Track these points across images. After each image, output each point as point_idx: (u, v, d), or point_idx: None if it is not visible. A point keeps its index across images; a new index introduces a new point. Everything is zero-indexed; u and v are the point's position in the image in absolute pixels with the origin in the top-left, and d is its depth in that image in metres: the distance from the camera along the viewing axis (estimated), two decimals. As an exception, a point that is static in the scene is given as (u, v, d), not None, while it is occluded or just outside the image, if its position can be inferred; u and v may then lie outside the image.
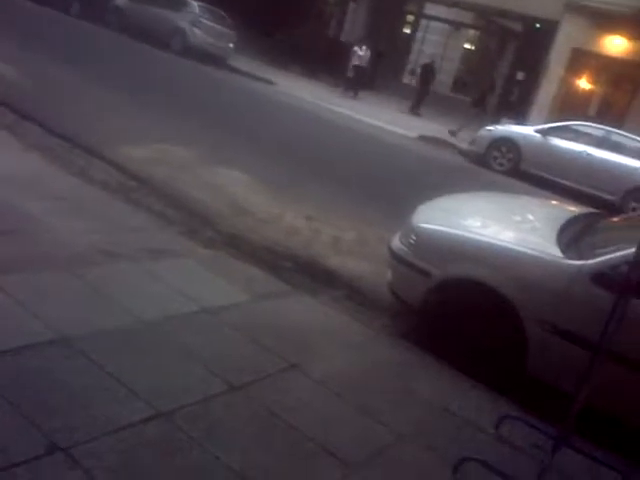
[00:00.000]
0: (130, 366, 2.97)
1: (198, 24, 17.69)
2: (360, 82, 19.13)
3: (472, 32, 23.65)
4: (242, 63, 18.47)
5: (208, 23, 17.93)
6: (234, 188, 6.49)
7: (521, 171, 12.65)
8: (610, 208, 10.60)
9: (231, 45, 18.76)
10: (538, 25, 18.76)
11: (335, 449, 2.81)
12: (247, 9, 19.38)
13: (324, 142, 10.66)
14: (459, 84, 22.92)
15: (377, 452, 2.89)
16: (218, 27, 18.18)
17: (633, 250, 3.32)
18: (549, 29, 17.89)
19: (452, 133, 15.67)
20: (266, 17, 20.12)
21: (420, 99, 18.77)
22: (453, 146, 14.58)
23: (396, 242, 4.51)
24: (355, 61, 19.09)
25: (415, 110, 18.61)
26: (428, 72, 18.98)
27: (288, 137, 10.17)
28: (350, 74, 19.14)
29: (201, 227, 5.16)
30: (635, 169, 11.67)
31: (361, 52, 19.18)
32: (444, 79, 22.68)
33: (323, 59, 20.51)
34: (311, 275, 4.88)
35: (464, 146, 14.11)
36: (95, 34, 17.09)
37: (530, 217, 4.96)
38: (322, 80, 20.03)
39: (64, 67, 10.50)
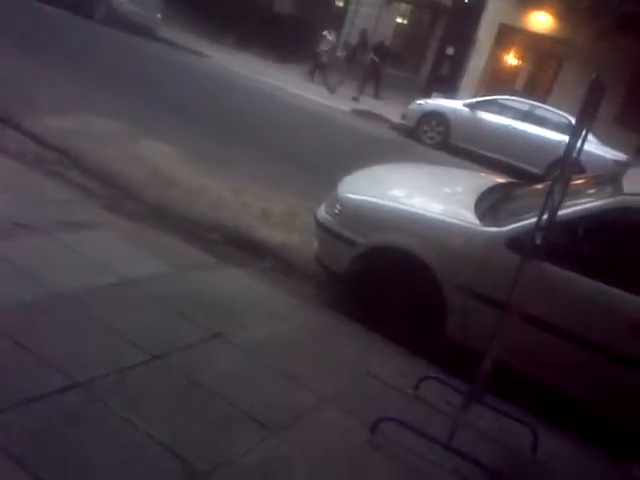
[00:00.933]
0: (46, 338, 2.90)
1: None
2: (328, 70, 18.14)
3: (404, 6, 23.78)
4: (173, 34, 17.95)
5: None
6: (160, 160, 6.35)
7: (450, 144, 12.92)
8: (535, 179, 10.99)
9: (159, 15, 18.16)
10: (467, 0, 19.04)
11: (257, 414, 2.84)
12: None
13: (256, 115, 10.54)
14: (392, 57, 23.03)
15: (298, 415, 2.95)
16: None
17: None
18: (478, 4, 18.20)
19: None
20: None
21: (379, 80, 17.97)
22: (386, 120, 14.72)
23: (322, 212, 4.55)
24: (324, 46, 18.16)
25: (377, 94, 17.90)
26: (384, 52, 18.18)
27: (219, 110, 10.01)
28: (323, 59, 18.07)
29: (125, 200, 5.05)
30: (558, 142, 12.04)
31: (330, 37, 18.34)
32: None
33: (256, 30, 20.18)
34: (239, 247, 4.88)
35: (396, 120, 14.26)
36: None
37: (452, 187, 5.09)
38: (256, 52, 19.72)
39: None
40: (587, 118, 2.63)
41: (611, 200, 3.62)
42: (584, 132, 2.74)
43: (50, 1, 16.03)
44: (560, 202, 2.97)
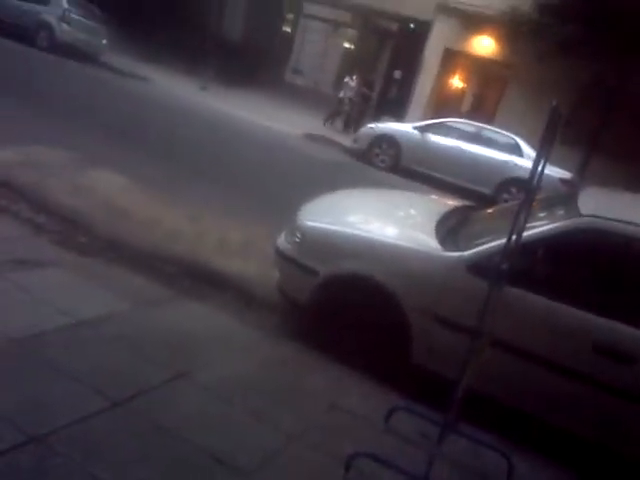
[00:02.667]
0: (-2, 389, 2.73)
1: (67, 19, 16.68)
2: (351, 115, 17.92)
3: (351, 31, 24.19)
4: (117, 60, 17.70)
5: (78, 18, 16.96)
6: (110, 191, 6.15)
7: (402, 167, 13.07)
8: (485, 200, 11.21)
9: (104, 41, 17.92)
10: (412, 25, 19.49)
11: (226, 457, 2.73)
12: (121, 3, 18.61)
13: (204, 141, 10.43)
14: (340, 82, 23.34)
15: (269, 456, 2.85)
16: (89, 22, 17.27)
17: (504, 241, 3.52)
18: (423, 29, 18.62)
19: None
20: (142, 13, 19.42)
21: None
22: (338, 144, 14.81)
23: (282, 241, 4.48)
24: (347, 93, 17.68)
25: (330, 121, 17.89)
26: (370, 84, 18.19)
27: (166, 137, 9.86)
28: (344, 107, 17.81)
29: (75, 234, 4.87)
30: (505, 162, 12.41)
31: (352, 83, 17.91)
32: (326, 77, 23.05)
33: (203, 56, 20.10)
34: (197, 279, 4.74)
35: (348, 144, 14.37)
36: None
37: (411, 212, 5.10)
38: (203, 77, 19.59)
39: None
40: (548, 144, 2.66)
41: (569, 222, 3.67)
42: (544, 157, 2.77)
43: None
44: (523, 226, 2.99)
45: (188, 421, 2.92)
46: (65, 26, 16.62)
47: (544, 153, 2.65)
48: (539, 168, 2.75)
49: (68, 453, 2.48)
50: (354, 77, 18.15)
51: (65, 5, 16.81)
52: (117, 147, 8.08)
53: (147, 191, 6.41)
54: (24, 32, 16.29)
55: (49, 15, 16.56)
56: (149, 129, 9.98)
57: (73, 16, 16.85)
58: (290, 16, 23.61)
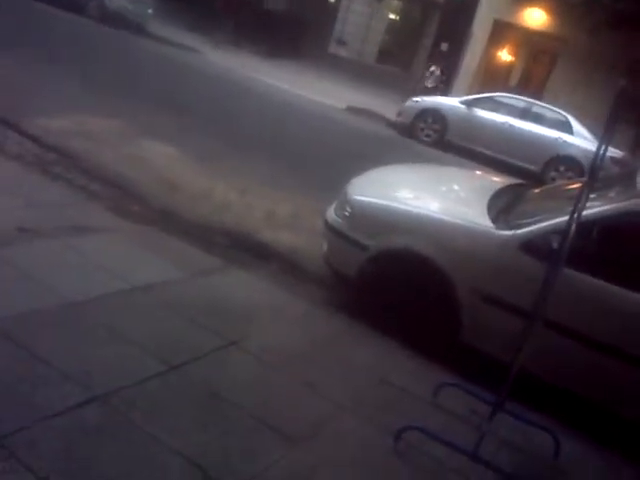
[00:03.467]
0: (60, 349, 2.83)
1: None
2: None
3: (397, 2, 23.70)
4: (164, 30, 17.78)
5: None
6: (162, 162, 6.25)
7: (447, 142, 12.89)
8: (532, 177, 10.99)
9: (150, 11, 17.99)
10: (460, -4, 19.00)
11: (277, 424, 2.79)
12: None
13: (252, 114, 10.45)
14: (384, 54, 23.00)
15: (318, 425, 2.90)
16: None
17: (558, 220, 3.46)
18: (471, 0, 18.15)
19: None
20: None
21: None
22: (382, 117, 14.66)
23: (331, 214, 4.49)
24: (430, 83, 17.16)
25: None
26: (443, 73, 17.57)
27: (213, 108, 9.92)
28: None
29: (128, 202, 4.97)
30: (554, 139, 12.11)
31: (438, 72, 17.51)
32: (370, 49, 22.72)
33: (248, 27, 20.04)
34: (246, 250, 4.81)
35: (392, 118, 14.21)
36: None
37: (462, 188, 5.05)
38: (248, 48, 19.56)
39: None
40: (613, 126, 2.59)
41: (629, 202, 3.58)
42: (609, 138, 2.70)
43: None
44: (583, 207, 2.93)
45: (240, 388, 2.99)
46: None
47: (609, 133, 2.58)
48: (603, 148, 2.68)
49: (128, 413, 2.57)
50: (438, 67, 17.66)
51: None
52: (168, 118, 8.16)
53: (198, 163, 6.49)
54: (74, 2, 16.46)
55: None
56: (198, 100, 10.04)
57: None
58: (335, -14, 23.30)
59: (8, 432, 2.26)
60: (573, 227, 2.67)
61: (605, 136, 2.62)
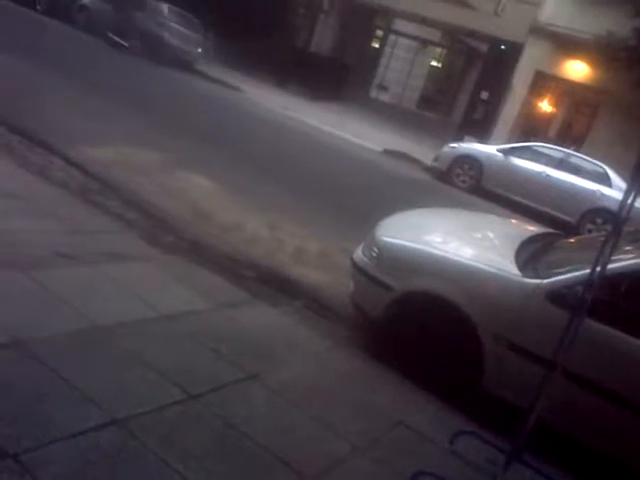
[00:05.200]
0: (85, 372, 2.91)
1: (166, 27, 17.44)
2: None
3: (439, 50, 24.05)
4: (211, 69, 18.36)
5: (176, 26, 17.72)
6: (197, 194, 6.43)
7: (483, 189, 12.86)
8: (568, 229, 10.87)
9: (199, 50, 18.62)
10: (503, 47, 19.18)
11: (291, 460, 2.79)
12: (217, 14, 19.30)
13: (291, 152, 10.66)
14: (425, 100, 23.25)
15: (332, 464, 2.89)
16: (186, 31, 18.00)
17: (587, 271, 3.43)
18: (514, 51, 18.31)
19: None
20: (236, 23, 20.07)
21: None
22: (418, 161, 14.75)
23: (359, 254, 4.53)
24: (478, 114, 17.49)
25: None
26: None
27: (253, 145, 10.15)
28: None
29: (162, 232, 5.10)
30: (592, 192, 11.98)
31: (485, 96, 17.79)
32: (410, 95, 23.00)
33: (292, 69, 20.53)
34: (273, 285, 4.86)
35: (428, 162, 14.28)
36: (47, 25, 16.79)
37: (490, 235, 5.04)
38: (292, 90, 20.00)
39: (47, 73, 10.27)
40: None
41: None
42: (636, 188, 2.70)
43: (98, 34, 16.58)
44: (609, 258, 2.92)
45: (256, 421, 3.00)
46: (166, 34, 17.35)
47: (637, 183, 2.59)
48: (630, 199, 2.69)
49: (144, 438, 2.61)
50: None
51: (166, 12, 17.58)
52: (207, 152, 8.40)
53: (232, 197, 6.64)
54: (120, 34, 17.07)
55: (148, 22, 17.31)
56: (238, 137, 10.31)
57: (172, 24, 17.59)
58: (379, 32, 23.75)
59: (26, 449, 2.32)
60: (595, 278, 2.66)
61: (633, 186, 2.62)
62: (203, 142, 8.94)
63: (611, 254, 2.87)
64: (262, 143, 10.61)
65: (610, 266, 3.29)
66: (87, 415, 2.61)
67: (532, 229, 5.84)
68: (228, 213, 6.13)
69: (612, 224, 2.79)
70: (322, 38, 23.02)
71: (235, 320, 4.04)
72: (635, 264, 3.55)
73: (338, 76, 20.99)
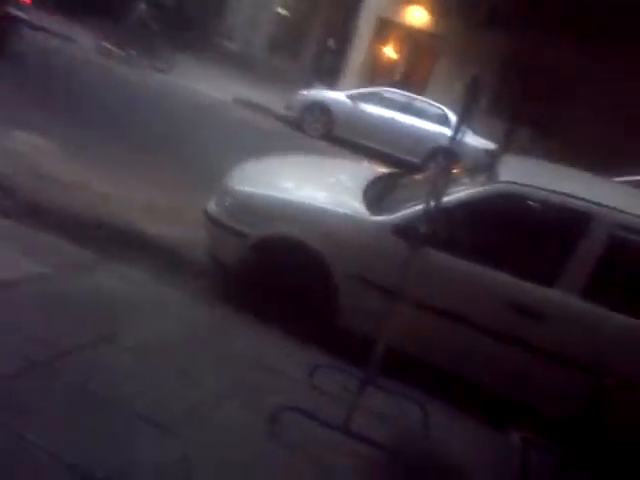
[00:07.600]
0: None
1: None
2: None
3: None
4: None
5: None
6: (33, 154, 5.96)
7: (335, 136, 13.14)
8: (414, 168, 11.46)
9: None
10: (347, -7, 19.39)
11: (153, 416, 2.77)
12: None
13: (135, 106, 10.15)
14: (274, 47, 23.02)
15: (196, 415, 2.90)
16: None
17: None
18: (357, -3, 18.58)
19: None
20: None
21: None
22: (270, 110, 14.67)
23: (212, 205, 4.49)
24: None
25: None
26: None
27: (92, 102, 9.52)
28: None
29: (-2, 196, 4.71)
30: (434, 133, 12.69)
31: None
32: (258, 43, 22.67)
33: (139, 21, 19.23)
34: (124, 244, 4.70)
35: (280, 111, 14.26)
36: None
37: (340, 178, 5.18)
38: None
39: None
40: (468, 113, 2.79)
41: (488, 187, 3.86)
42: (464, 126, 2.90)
43: None
44: (444, 191, 3.12)
45: (113, 382, 2.93)
46: None
47: (463, 121, 2.77)
48: (458, 135, 2.87)
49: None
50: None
51: None
52: (40, 108, 7.75)
53: (73, 156, 6.24)
54: None
55: None
56: (76, 90, 9.60)
57: None
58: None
59: None
60: (430, 210, 2.84)
61: (458, 123, 2.80)
62: (36, 97, 8.22)
63: (445, 187, 3.08)
64: (100, 97, 9.97)
65: (445, 198, 3.57)
66: None
67: (379, 170, 6.09)
68: (70, 173, 5.74)
69: (443, 159, 2.98)
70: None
71: (85, 283, 3.85)
72: (464, 196, 3.84)
73: (184, 26, 20.12)
